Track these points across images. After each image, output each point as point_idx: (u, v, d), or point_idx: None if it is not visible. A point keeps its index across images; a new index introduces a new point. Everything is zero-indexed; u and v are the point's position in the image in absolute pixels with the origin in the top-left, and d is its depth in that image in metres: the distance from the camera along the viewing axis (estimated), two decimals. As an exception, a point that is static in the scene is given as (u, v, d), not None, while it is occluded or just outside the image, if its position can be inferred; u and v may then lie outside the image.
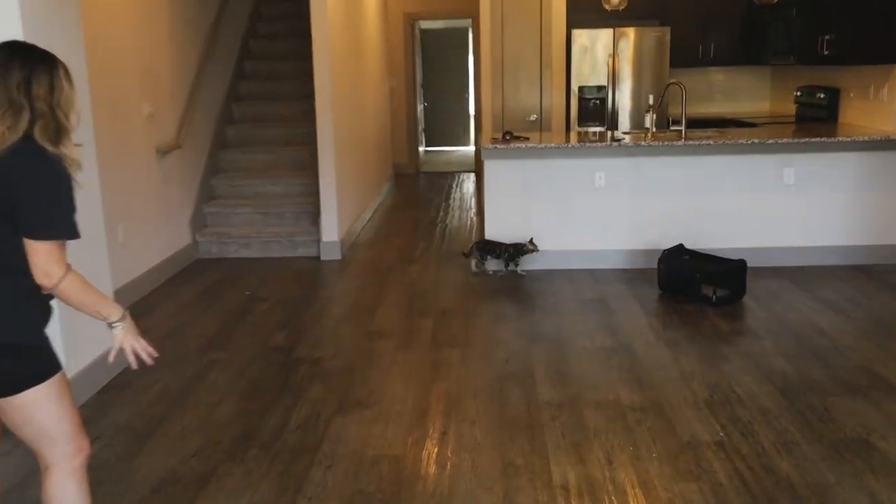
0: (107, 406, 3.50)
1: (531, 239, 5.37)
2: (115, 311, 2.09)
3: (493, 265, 5.44)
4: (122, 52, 5.03)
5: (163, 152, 5.60)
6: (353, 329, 4.49)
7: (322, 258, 6.09)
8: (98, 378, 3.68)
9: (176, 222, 5.88)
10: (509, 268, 5.39)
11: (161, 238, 5.59)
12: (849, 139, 5.20)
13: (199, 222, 6.27)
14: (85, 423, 3.14)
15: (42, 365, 2.01)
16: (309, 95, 6.14)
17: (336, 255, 6.10)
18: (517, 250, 5.35)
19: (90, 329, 3.67)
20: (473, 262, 5.47)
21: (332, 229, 6.10)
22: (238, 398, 3.56)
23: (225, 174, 6.76)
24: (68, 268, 1.98)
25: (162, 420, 3.36)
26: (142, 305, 4.97)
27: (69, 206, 1.96)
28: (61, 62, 2.01)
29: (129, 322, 2.12)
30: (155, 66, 5.54)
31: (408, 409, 3.39)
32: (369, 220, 7.62)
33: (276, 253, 6.18)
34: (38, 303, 2.01)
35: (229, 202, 6.49)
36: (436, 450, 3.03)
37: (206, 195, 6.50)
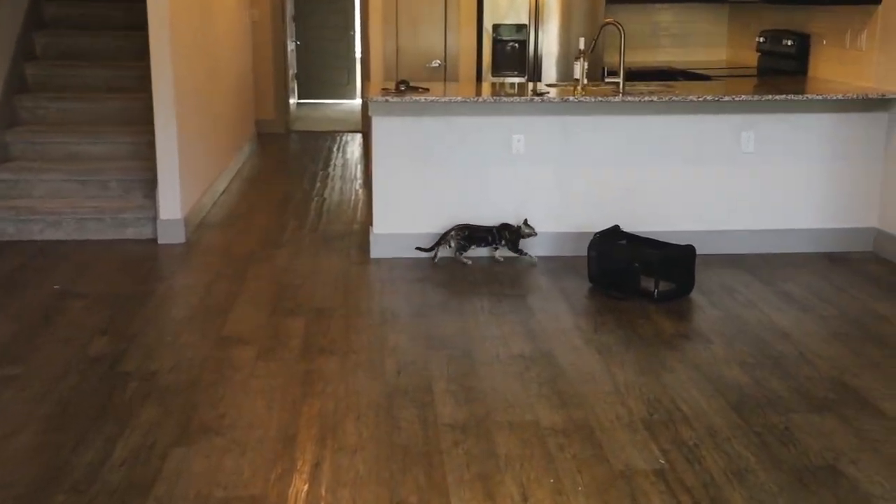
0: None
1: (525, 220, 5.40)
2: None
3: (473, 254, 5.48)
4: None
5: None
6: (199, 334, 4.42)
7: (160, 241, 5.99)
8: None
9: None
10: (522, 254, 5.44)
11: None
12: (820, 97, 5.44)
13: (-10, 193, 6.05)
14: None
15: None
16: (142, 25, 5.97)
17: (179, 237, 6.01)
18: (513, 234, 5.38)
19: None
20: (453, 253, 5.46)
21: (172, 204, 6.00)
22: (41, 426, 3.46)
23: (25, 128, 6.59)
24: None
25: (-64, 457, 3.23)
26: None
27: None
28: None
29: None
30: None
31: (270, 436, 3.36)
32: (223, 192, 7.50)
33: (98, 234, 6.05)
34: None
35: (31, 166, 6.33)
36: (306, 487, 3.02)
37: (1, 155, 6.27)
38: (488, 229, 5.44)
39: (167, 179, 5.98)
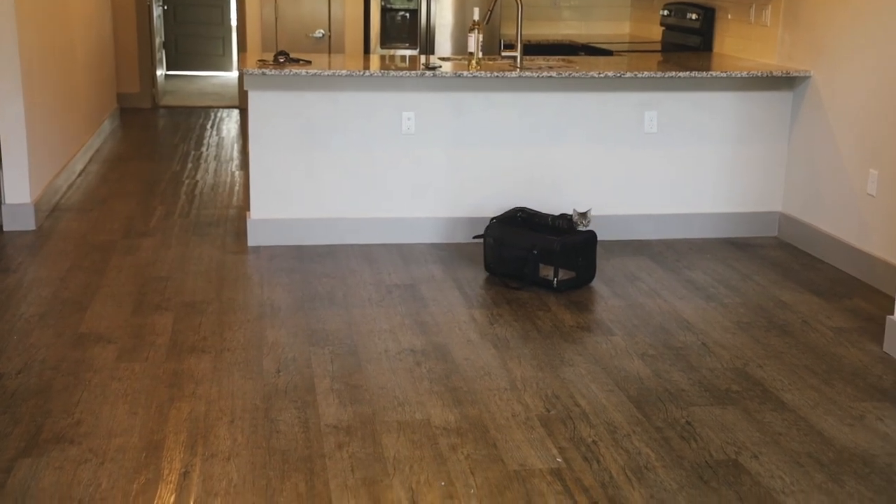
0: None
1: (584, 212, 5.09)
2: None
3: None
4: None
5: None
6: (52, 332, 4.31)
7: (5, 229, 5.84)
8: None
9: None
10: None
11: None
12: (724, 75, 5.61)
13: None
14: None
15: None
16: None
17: (28, 224, 5.87)
18: (568, 224, 5.12)
19: None
20: None
21: (20, 186, 5.86)
22: None
23: None
24: None
25: None
26: None
27: None
28: None
29: None
30: None
31: (133, 444, 3.30)
32: (81, 174, 7.32)
33: (-66, 221, 5.83)
34: None
35: None
36: (172, 498, 2.97)
37: None
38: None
39: (13, 159, 5.82)
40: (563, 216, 5.17)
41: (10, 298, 4.76)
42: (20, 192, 5.84)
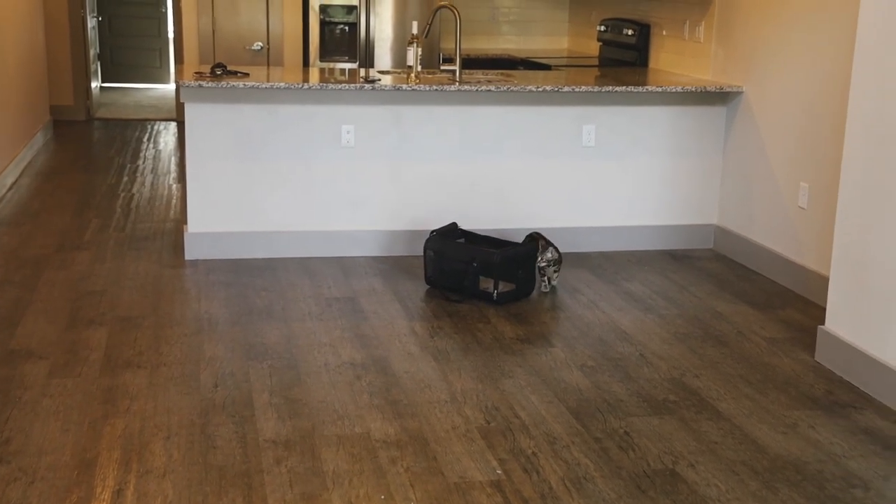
0: None
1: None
2: None
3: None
4: None
5: None
6: (-17, 348, 4.22)
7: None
8: None
9: None
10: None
11: None
12: (659, 89, 5.69)
13: None
14: None
15: None
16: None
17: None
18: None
19: None
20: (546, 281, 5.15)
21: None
22: None
23: None
24: None
25: None
26: None
27: None
28: None
29: None
30: None
31: (65, 462, 3.23)
32: (11, 188, 7.19)
33: None
34: None
35: None
36: (106, 517, 2.93)
37: None
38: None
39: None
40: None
41: None
42: None
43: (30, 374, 3.92)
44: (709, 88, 5.69)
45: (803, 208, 5.17)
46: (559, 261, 5.12)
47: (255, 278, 5.22)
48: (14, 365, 4.02)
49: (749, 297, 5.14)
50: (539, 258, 5.07)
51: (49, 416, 3.57)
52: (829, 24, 4.88)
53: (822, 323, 4.31)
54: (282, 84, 5.33)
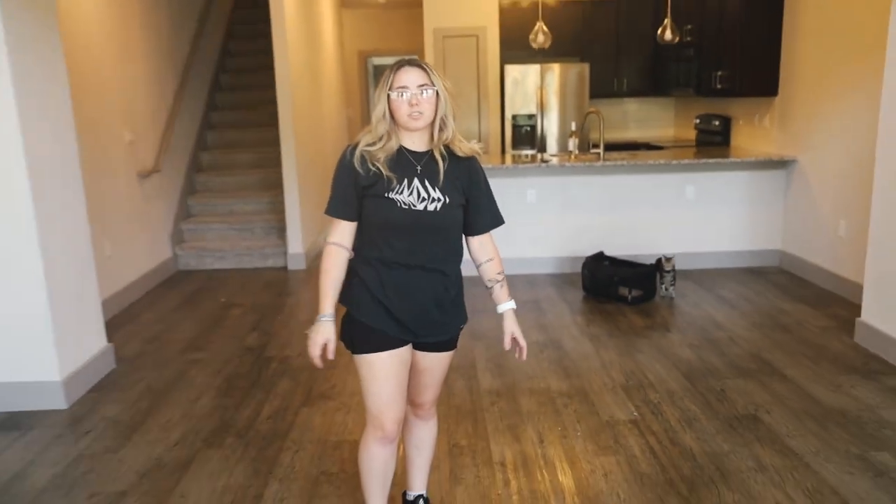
0: (97, 404, 3.45)
1: (672, 257, 4.91)
2: (322, 309, 2.07)
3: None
4: (104, 84, 4.96)
5: (143, 176, 5.53)
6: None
7: (289, 268, 6.04)
8: (89, 379, 3.63)
9: (157, 238, 5.80)
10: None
11: (144, 252, 5.52)
12: (739, 160, 5.43)
13: (178, 238, 6.18)
14: (76, 421, 3.12)
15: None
16: (274, 123, 6.13)
17: (301, 265, 6.06)
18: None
19: (81, 334, 3.63)
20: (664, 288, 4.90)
21: (296, 242, 6.07)
22: (216, 393, 3.54)
23: (201, 194, 6.67)
24: (331, 241, 2.04)
25: (147, 414, 3.33)
26: (128, 312, 4.88)
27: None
28: None
29: (319, 325, 2.06)
30: (134, 98, 5.48)
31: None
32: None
33: (248, 264, 6.12)
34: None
35: (205, 219, 6.40)
36: (392, 434, 3.06)
37: (184, 213, 6.41)
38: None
39: (292, 225, 6.04)
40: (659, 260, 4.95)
41: (293, 310, 4.90)
42: (296, 245, 6.04)
43: (343, 349, 4.13)
44: (773, 158, 5.39)
45: (842, 237, 4.80)
46: (674, 275, 4.96)
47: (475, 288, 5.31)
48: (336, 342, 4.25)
49: (805, 299, 4.81)
50: (659, 274, 4.94)
51: (355, 373, 3.73)
52: (858, 110, 4.53)
53: (859, 316, 4.00)
54: (489, 165, 5.35)
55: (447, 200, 1.98)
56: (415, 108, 1.93)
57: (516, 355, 2.20)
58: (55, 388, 3.38)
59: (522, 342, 2.16)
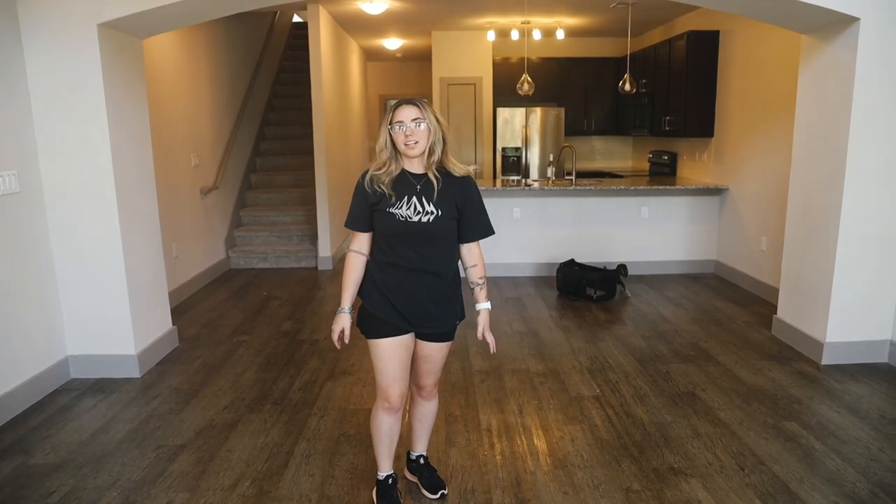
0: (163, 374, 3.44)
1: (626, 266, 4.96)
2: (342, 304, 2.06)
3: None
4: (177, 119, 4.96)
5: (205, 192, 5.53)
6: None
7: (319, 268, 6.00)
8: (157, 354, 3.62)
9: (214, 242, 5.79)
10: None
11: (203, 253, 5.50)
12: (683, 187, 5.41)
13: (231, 242, 6.16)
14: (147, 388, 3.09)
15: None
16: (310, 152, 6.11)
17: (329, 266, 6.02)
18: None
19: (152, 318, 3.61)
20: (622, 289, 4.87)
21: (325, 247, 6.04)
22: (258, 368, 3.52)
23: (250, 208, 6.64)
24: (351, 249, 2.04)
25: (203, 384, 3.32)
26: (189, 301, 4.87)
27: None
28: None
29: (338, 316, 2.07)
30: (200, 129, 5.47)
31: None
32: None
33: (286, 264, 6.08)
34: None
35: (253, 228, 6.37)
36: (400, 404, 3.03)
37: (237, 222, 6.39)
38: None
39: (322, 233, 5.99)
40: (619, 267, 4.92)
41: (322, 302, 4.85)
42: (325, 249, 5.98)
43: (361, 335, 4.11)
44: (709, 186, 5.37)
45: (763, 250, 4.79)
46: (625, 277, 4.93)
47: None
48: (355, 329, 4.19)
49: (734, 299, 4.79)
50: (619, 278, 4.92)
51: (369, 355, 3.71)
52: (775, 149, 4.52)
53: (776, 313, 3.97)
54: (483, 187, 5.36)
55: (440, 213, 1.97)
56: (410, 138, 1.93)
57: (490, 350, 2.16)
58: (132, 360, 3.37)
59: (490, 338, 2.10)
